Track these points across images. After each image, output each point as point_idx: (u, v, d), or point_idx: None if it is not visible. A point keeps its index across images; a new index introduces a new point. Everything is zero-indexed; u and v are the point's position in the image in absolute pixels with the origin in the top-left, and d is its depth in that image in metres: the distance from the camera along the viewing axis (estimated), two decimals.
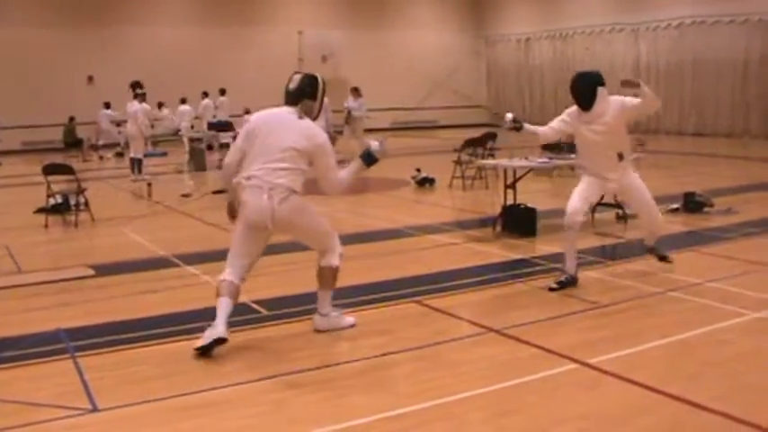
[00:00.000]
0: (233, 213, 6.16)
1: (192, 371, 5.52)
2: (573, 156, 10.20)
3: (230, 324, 5.93)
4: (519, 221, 10.07)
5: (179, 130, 23.04)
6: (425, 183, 15.21)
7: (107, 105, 25.48)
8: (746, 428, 4.37)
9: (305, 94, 6.02)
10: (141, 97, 17.47)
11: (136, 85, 17.68)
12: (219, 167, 20.47)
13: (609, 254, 9.04)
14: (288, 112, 5.98)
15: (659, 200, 11.69)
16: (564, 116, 7.67)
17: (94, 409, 4.90)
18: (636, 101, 7.32)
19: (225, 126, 21.73)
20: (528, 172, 10.56)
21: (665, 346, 5.79)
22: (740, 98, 25.11)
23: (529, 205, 10.24)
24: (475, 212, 11.54)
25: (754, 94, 24.76)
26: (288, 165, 5.80)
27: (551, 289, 7.34)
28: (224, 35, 29.36)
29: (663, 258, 8.08)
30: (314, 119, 6.05)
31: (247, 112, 26.17)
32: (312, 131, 5.90)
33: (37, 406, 4.95)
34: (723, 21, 25.17)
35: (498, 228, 10.23)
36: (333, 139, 16.18)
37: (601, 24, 29.56)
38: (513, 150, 12.66)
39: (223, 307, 5.87)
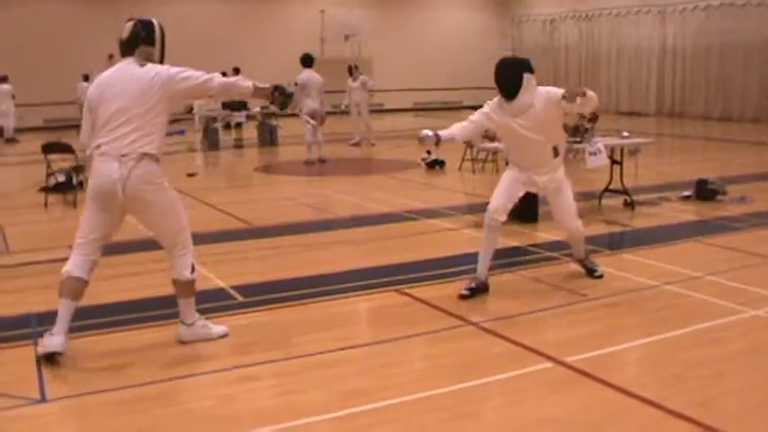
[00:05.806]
0: None
1: (150, 360, 5.28)
2: (577, 140, 9.87)
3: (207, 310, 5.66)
4: (520, 207, 9.68)
5: (192, 108, 22.84)
6: (435, 165, 14.87)
7: (86, 78, 24.27)
8: None
9: (141, 40, 5.43)
10: None
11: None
12: (235, 146, 20.50)
13: (609, 243, 8.70)
14: (125, 65, 5.39)
15: (673, 186, 11.50)
16: (486, 109, 6.77)
17: (42, 400, 4.71)
18: (559, 93, 6.49)
19: (240, 105, 21.47)
20: None
21: (650, 345, 5.48)
22: None
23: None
24: (480, 197, 11.18)
25: None
26: (136, 125, 5.16)
27: (462, 296, 6.54)
28: (243, 10, 29.12)
29: (592, 272, 7.14)
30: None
31: None
32: (153, 71, 5.27)
33: None
34: (752, 2, 24.53)
35: None
36: (322, 119, 15.96)
37: (627, 6, 28.93)
38: None
39: (64, 311, 5.27)
